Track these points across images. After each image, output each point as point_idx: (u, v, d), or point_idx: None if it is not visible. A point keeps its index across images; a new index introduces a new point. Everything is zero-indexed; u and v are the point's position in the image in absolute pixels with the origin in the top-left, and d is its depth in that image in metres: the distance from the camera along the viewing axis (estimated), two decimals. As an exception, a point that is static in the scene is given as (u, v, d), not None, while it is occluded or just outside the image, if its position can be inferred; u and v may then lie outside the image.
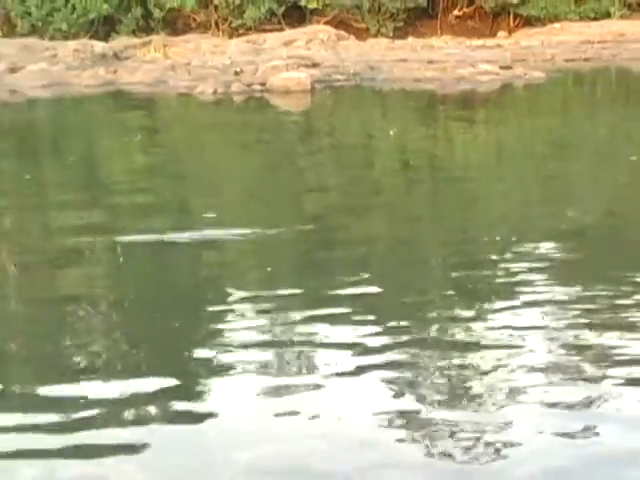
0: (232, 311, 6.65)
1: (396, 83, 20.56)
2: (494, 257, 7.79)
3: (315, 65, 21.78)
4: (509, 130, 15.70)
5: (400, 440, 4.70)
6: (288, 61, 21.63)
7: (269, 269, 7.82)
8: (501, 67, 20.96)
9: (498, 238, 8.32)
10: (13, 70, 23.45)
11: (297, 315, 6.46)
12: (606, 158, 12.78)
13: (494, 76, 20.33)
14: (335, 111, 18.46)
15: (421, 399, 5.13)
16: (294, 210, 10.27)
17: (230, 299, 6.89)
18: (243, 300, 6.85)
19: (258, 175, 12.30)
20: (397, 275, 7.47)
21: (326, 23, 26.43)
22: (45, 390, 5.50)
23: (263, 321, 6.41)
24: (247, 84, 20.12)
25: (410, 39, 25.65)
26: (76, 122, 18.68)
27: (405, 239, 8.65)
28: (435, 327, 6.25)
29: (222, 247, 8.50)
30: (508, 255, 7.77)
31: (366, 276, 7.35)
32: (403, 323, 6.30)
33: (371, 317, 6.43)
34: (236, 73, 21.58)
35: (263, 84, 19.91)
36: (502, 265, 7.56)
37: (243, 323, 6.39)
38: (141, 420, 5.08)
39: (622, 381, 5.20)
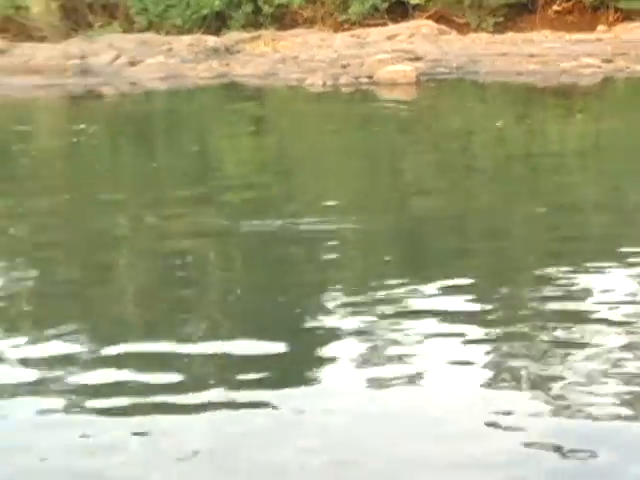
0: (344, 298, 6.44)
1: (498, 76, 19.99)
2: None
3: (418, 59, 21.28)
4: (614, 122, 14.97)
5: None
6: (392, 55, 21.16)
7: (387, 258, 7.43)
8: (603, 60, 20.25)
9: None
10: (132, 64, 23.31)
11: (411, 305, 6.20)
12: None
13: (596, 69, 19.67)
14: (441, 103, 18.01)
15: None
16: (406, 200, 9.89)
17: (342, 287, 6.74)
18: (354, 289, 6.66)
19: (369, 164, 11.93)
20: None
21: (428, 18, 25.84)
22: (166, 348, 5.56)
23: (373, 308, 6.14)
24: (355, 77, 19.73)
25: (510, 34, 24.91)
26: (193, 112, 18.70)
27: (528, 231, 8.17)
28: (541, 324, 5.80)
29: (336, 238, 8.09)
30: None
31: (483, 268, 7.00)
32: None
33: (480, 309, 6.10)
34: (343, 66, 21.17)
35: (370, 77, 19.49)
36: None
37: (350, 309, 6.17)
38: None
39: None
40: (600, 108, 16.85)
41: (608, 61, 20.32)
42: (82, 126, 15.78)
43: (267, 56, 23.55)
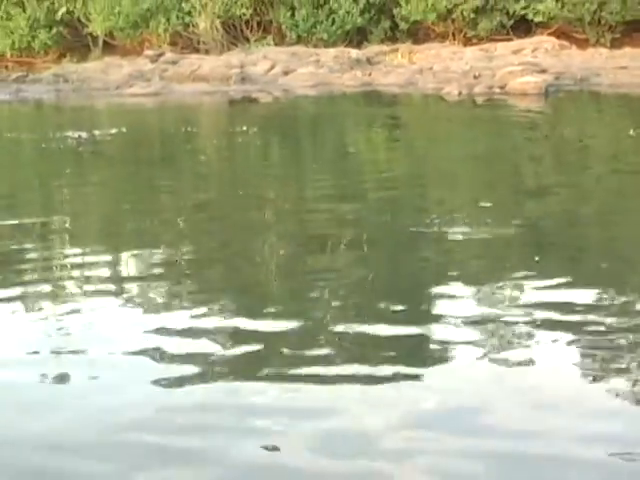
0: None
1: (620, 88, 19.48)
2: None
3: (543, 71, 20.76)
4: None
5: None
6: (519, 67, 20.69)
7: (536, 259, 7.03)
8: None
9: None
10: (286, 73, 23.33)
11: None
12: None
13: None
14: (569, 111, 17.63)
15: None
16: (540, 201, 9.52)
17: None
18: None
19: (509, 169, 11.54)
20: None
21: (550, 34, 25.27)
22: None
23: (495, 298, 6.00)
24: (487, 87, 19.34)
25: (627, 49, 24.21)
26: (339, 115, 18.65)
27: None
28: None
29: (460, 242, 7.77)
30: None
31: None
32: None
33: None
34: (475, 77, 20.81)
35: (502, 87, 19.13)
36: None
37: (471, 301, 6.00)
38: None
39: None
40: None
41: None
42: (244, 128, 15.74)
43: (405, 67, 23.31)
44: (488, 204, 9.00)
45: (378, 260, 7.24)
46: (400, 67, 23.40)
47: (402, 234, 8.04)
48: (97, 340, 5.49)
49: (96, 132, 15.93)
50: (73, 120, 19.15)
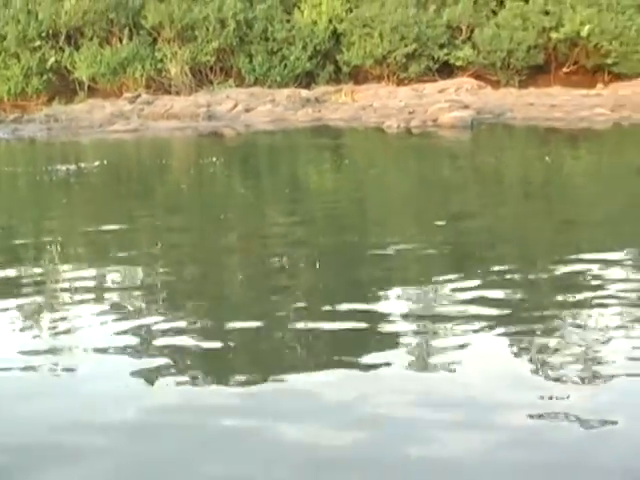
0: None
1: (532, 121, 19.88)
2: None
3: (466, 107, 21.06)
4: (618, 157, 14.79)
5: None
6: (446, 104, 21.01)
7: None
8: (611, 110, 20.02)
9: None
10: (247, 110, 23.45)
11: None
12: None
13: (607, 117, 19.43)
14: (493, 141, 17.93)
15: None
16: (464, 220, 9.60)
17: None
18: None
19: (436, 189, 11.75)
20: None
21: (468, 76, 25.66)
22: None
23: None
24: (422, 120, 19.62)
25: (531, 88, 24.79)
26: (293, 147, 18.64)
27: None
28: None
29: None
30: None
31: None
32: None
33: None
34: (409, 113, 21.07)
35: (434, 120, 19.41)
36: None
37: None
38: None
39: None
40: (610, 147, 16.67)
41: (614, 111, 20.05)
42: (213, 159, 15.84)
43: (349, 104, 23.53)
44: (419, 222, 9.21)
45: (328, 271, 7.24)
46: (344, 105, 23.64)
47: (344, 249, 8.06)
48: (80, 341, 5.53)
49: (82, 165, 15.88)
50: (62, 154, 19.15)
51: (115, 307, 6.25)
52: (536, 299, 6.03)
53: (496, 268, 6.89)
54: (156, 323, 5.76)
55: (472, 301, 5.88)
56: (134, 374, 4.86)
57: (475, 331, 5.30)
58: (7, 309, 6.34)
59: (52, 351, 5.32)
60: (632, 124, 19.00)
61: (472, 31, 26.21)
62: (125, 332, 5.58)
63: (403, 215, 9.96)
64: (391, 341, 5.20)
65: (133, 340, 5.42)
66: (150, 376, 4.83)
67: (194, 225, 9.87)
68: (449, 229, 8.66)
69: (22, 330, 5.87)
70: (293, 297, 6.33)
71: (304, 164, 16.15)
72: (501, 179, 12.81)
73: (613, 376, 4.53)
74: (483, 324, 5.41)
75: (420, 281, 6.66)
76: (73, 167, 15.44)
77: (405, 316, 5.64)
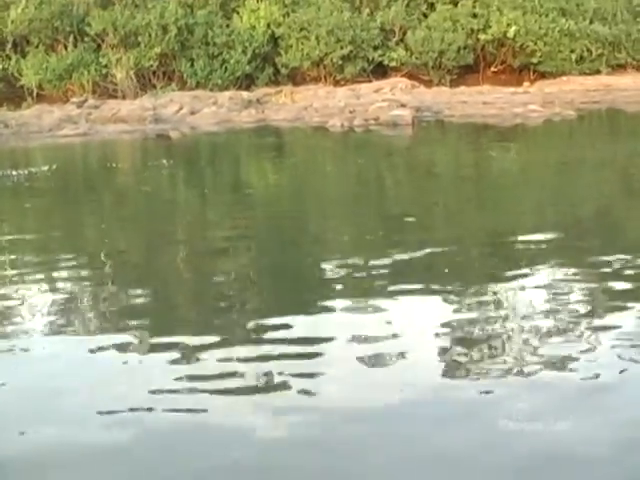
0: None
1: (469, 118, 19.39)
2: None
3: (403, 106, 20.48)
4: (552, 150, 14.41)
5: None
6: (385, 103, 20.44)
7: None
8: (542, 107, 19.61)
9: None
10: (192, 113, 22.61)
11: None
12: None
13: (539, 113, 19.03)
14: (435, 137, 17.38)
15: None
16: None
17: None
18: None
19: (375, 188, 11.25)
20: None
21: (402, 76, 25.18)
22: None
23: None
24: (364, 119, 19.01)
25: (462, 87, 24.37)
26: (240, 146, 18.24)
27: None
28: None
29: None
30: None
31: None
32: None
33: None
34: (350, 112, 20.44)
35: (375, 119, 18.79)
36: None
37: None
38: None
39: None
40: (541, 141, 16.36)
41: (545, 107, 19.64)
42: (164, 161, 15.23)
43: (290, 105, 22.83)
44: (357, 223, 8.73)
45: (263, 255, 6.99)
46: (286, 105, 22.96)
47: (277, 242, 7.83)
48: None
49: (34, 169, 15.16)
50: (13, 159, 18.33)
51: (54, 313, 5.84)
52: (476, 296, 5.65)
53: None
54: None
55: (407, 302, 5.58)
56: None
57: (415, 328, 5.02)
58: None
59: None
60: (562, 120, 18.61)
61: (404, 33, 25.75)
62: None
63: (346, 214, 9.42)
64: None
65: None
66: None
67: (139, 230, 9.33)
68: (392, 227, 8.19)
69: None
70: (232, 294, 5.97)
71: (250, 164, 15.62)
72: (447, 174, 12.23)
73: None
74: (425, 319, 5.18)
75: (352, 281, 6.24)
76: (25, 172, 14.68)
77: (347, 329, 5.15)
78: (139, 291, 6.45)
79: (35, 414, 4.21)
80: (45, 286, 6.60)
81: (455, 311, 5.35)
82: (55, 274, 6.95)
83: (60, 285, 6.62)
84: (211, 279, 6.58)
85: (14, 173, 14.58)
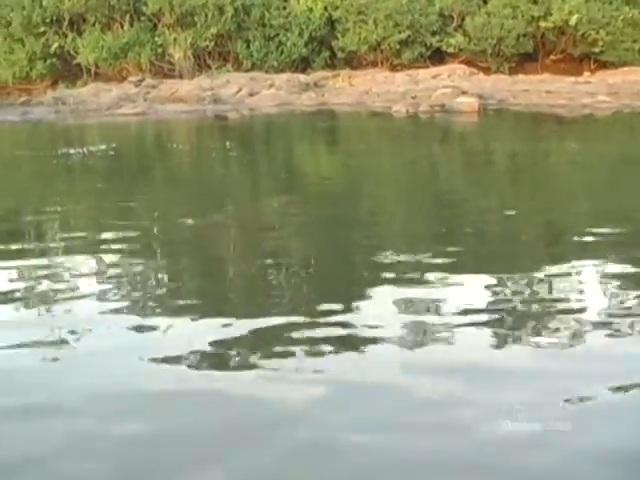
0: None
1: (534, 107, 19.18)
2: None
3: (464, 93, 20.36)
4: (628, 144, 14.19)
5: None
6: (448, 89, 20.31)
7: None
8: (611, 98, 19.40)
9: None
10: (251, 95, 22.59)
11: None
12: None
13: (608, 104, 18.83)
14: (503, 125, 17.18)
15: None
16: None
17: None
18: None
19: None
20: None
21: (459, 63, 24.99)
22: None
23: None
24: (430, 106, 18.87)
25: (520, 75, 24.14)
26: (303, 130, 17.96)
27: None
28: None
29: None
30: None
31: None
32: None
33: None
34: (412, 98, 20.33)
35: (442, 106, 18.62)
36: None
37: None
38: None
39: None
40: (619, 132, 16.10)
41: (614, 98, 19.41)
42: (227, 143, 15.23)
43: (349, 89, 22.77)
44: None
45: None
46: (344, 89, 22.91)
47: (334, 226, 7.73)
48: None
49: (95, 147, 15.15)
50: (71, 137, 18.38)
51: (111, 296, 5.81)
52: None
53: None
54: (159, 310, 5.44)
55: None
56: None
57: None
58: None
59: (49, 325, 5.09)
60: (632, 112, 18.38)
61: (463, 19, 25.56)
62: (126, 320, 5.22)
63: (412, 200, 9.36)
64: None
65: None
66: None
67: (196, 208, 9.18)
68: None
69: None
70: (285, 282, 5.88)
71: (316, 148, 15.51)
72: (517, 164, 12.09)
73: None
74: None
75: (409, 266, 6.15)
76: (85, 150, 14.68)
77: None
78: (196, 271, 6.58)
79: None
80: (114, 266, 6.58)
81: (509, 299, 5.23)
82: (130, 257, 6.93)
83: (135, 268, 6.60)
84: (266, 260, 6.56)
85: (73, 152, 14.57)
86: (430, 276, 5.70)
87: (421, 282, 5.59)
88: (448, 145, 14.67)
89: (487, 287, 5.48)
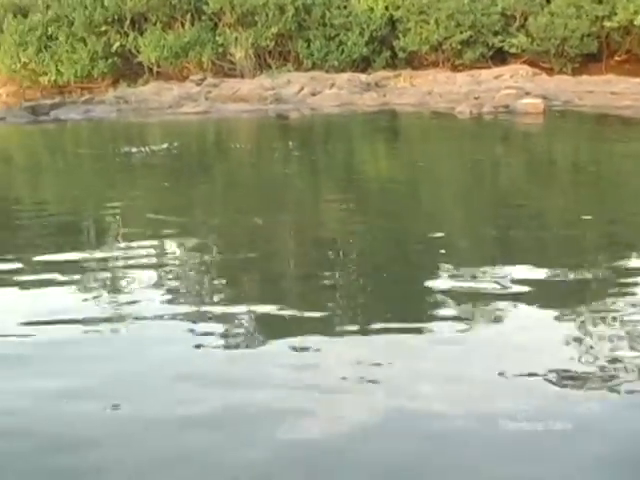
0: None
1: (601, 109, 18.91)
2: None
3: (527, 94, 20.19)
4: None
5: None
6: (511, 91, 20.16)
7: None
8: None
9: None
10: (313, 94, 22.63)
11: None
12: None
13: (677, 106, 18.58)
14: (569, 127, 16.99)
15: None
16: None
17: None
18: None
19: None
20: None
21: (521, 63, 24.79)
22: None
23: None
24: (494, 107, 18.74)
25: (584, 76, 23.84)
26: (361, 131, 17.88)
27: None
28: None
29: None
30: None
31: None
32: None
33: None
34: (475, 98, 20.22)
35: (506, 107, 18.48)
36: None
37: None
38: None
39: None
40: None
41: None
42: (290, 143, 15.30)
43: (411, 90, 22.71)
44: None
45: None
46: (406, 89, 22.86)
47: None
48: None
49: (159, 146, 15.23)
50: (134, 135, 18.60)
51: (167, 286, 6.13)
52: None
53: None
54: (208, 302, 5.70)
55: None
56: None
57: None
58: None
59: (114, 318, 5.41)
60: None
61: (526, 19, 25.35)
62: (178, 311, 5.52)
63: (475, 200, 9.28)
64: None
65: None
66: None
67: (259, 207, 9.37)
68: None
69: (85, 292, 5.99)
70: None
71: (379, 149, 15.47)
72: (587, 168, 11.95)
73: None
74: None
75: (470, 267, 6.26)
76: (149, 148, 14.87)
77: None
78: (254, 268, 6.73)
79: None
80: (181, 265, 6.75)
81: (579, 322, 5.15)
82: (205, 256, 7.11)
83: (205, 267, 6.73)
84: (328, 260, 6.69)
85: (136, 150, 14.76)
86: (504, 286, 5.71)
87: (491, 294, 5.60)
88: (516, 146, 14.60)
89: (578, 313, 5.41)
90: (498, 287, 5.64)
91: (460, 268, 6.20)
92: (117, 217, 8.80)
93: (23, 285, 6.32)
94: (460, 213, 8.71)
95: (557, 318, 5.06)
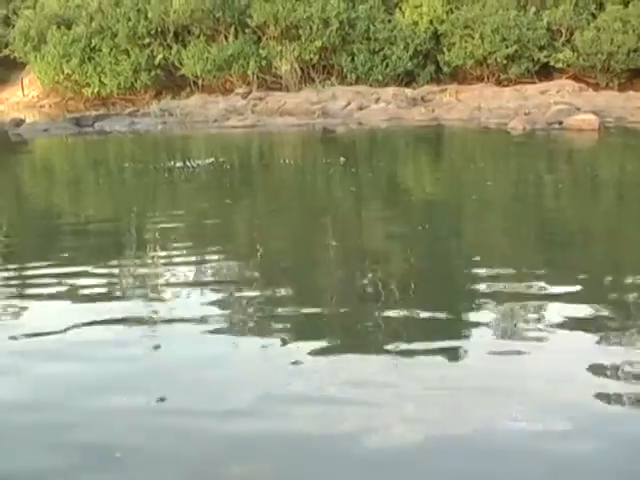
0: None
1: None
2: None
3: (577, 109, 20.39)
4: None
5: None
6: (563, 107, 20.34)
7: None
8: None
9: None
10: (360, 108, 22.94)
11: None
12: None
13: None
14: (626, 144, 17.08)
15: None
16: None
17: None
18: None
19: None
20: None
21: (567, 78, 25.04)
22: None
23: None
24: (547, 123, 18.95)
25: (630, 92, 24.03)
26: (416, 144, 18.09)
27: None
28: None
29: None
30: None
31: None
32: None
33: None
34: (526, 114, 20.44)
35: (560, 122, 18.69)
36: None
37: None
38: None
39: None
40: None
41: None
42: (341, 159, 15.22)
43: (459, 104, 22.95)
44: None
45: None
46: (454, 104, 23.08)
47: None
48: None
49: (204, 161, 15.16)
50: (181, 149, 18.76)
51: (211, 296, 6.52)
52: None
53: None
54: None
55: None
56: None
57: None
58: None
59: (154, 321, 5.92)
60: None
61: (572, 34, 25.66)
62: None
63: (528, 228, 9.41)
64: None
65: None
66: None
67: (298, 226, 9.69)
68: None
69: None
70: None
71: (435, 166, 15.40)
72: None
73: None
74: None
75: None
76: (195, 163, 14.90)
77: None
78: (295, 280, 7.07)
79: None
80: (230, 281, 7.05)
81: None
82: (230, 262, 7.68)
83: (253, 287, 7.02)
84: (375, 273, 7.09)
85: (182, 165, 14.71)
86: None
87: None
88: (576, 164, 14.67)
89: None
90: (544, 312, 5.89)
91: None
92: (157, 231, 9.05)
93: (75, 290, 6.77)
94: (523, 240, 8.73)
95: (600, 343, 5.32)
